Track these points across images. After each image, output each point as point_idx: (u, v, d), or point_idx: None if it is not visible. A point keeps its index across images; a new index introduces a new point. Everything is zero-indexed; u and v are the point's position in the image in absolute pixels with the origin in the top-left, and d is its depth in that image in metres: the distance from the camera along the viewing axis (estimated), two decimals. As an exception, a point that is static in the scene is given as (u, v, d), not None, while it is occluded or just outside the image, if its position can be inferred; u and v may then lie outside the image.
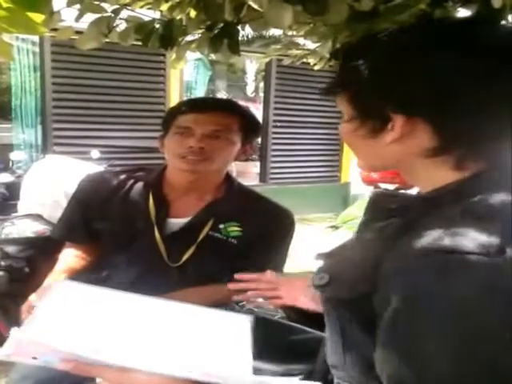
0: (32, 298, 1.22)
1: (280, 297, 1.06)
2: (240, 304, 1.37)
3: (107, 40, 1.33)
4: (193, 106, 1.30)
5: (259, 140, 6.24)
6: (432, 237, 0.54)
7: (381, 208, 0.67)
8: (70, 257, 1.37)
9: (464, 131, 0.59)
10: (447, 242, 0.52)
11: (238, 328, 0.80)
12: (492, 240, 0.51)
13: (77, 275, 1.33)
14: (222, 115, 1.27)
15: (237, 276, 1.10)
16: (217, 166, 1.30)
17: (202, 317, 0.83)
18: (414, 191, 0.72)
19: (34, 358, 0.65)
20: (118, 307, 0.81)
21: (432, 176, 0.63)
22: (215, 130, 1.25)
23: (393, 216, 0.64)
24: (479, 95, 0.57)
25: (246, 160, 7.23)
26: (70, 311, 0.76)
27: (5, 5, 0.97)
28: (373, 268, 0.59)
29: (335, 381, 0.68)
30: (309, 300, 0.99)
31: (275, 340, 0.91)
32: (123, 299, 0.85)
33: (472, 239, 0.51)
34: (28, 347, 0.64)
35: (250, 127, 1.33)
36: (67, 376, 0.68)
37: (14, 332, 0.63)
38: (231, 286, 1.10)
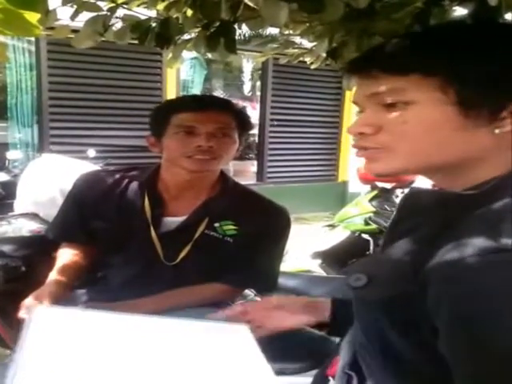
0: (28, 300, 1.20)
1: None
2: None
3: (103, 39, 1.33)
4: (191, 104, 1.28)
5: (256, 139, 6.25)
6: (482, 237, 0.52)
7: (417, 206, 0.65)
8: (68, 256, 1.36)
9: None
10: (501, 241, 0.51)
11: (241, 339, 0.78)
12: None
13: (75, 276, 1.33)
14: (222, 113, 1.26)
15: (228, 312, 1.01)
16: (223, 164, 1.30)
17: (199, 334, 0.80)
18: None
19: None
20: (108, 333, 0.77)
21: (485, 173, 0.60)
22: (219, 129, 1.24)
23: (430, 214, 0.62)
24: None
25: (243, 159, 7.25)
26: (57, 343, 0.71)
27: (-1, 6, 0.96)
28: (413, 267, 0.57)
29: None
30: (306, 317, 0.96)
31: (269, 339, 0.91)
32: (108, 321, 0.80)
33: None
34: None
35: (244, 125, 1.33)
36: None
37: None
38: (228, 312, 1.00)
